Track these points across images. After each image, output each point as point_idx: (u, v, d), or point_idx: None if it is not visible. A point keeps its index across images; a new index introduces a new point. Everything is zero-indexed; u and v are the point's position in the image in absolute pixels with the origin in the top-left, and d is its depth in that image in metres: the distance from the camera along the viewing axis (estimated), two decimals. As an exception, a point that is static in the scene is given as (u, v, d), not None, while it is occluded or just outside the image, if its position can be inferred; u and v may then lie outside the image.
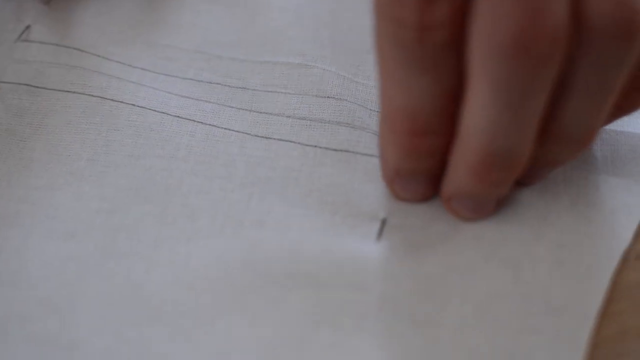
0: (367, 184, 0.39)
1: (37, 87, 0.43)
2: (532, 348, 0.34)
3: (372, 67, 0.43)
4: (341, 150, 0.40)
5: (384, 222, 0.38)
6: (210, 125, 0.41)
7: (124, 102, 0.42)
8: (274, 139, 0.41)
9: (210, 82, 0.43)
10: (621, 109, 0.37)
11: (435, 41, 0.32)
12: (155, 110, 0.42)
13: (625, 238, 0.37)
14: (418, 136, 0.35)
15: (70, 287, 0.36)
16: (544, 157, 0.36)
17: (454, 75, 0.33)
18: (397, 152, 0.36)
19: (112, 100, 0.42)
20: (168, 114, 0.42)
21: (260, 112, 0.42)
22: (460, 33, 0.32)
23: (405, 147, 0.36)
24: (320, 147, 0.40)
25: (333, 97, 0.42)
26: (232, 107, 0.42)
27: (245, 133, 0.41)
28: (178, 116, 0.42)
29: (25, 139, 0.41)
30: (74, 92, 0.43)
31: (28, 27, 0.45)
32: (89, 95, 0.43)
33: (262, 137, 0.41)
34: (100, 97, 0.43)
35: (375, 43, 0.34)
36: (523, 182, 0.38)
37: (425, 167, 0.37)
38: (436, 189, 0.38)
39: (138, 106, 0.42)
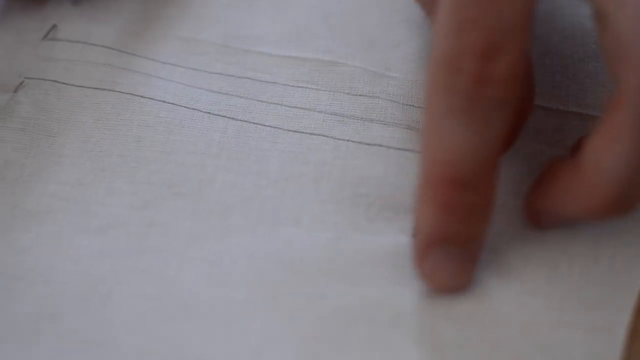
0: (402, 177, 0.39)
1: (65, 83, 0.43)
2: (568, 342, 0.34)
3: (401, 61, 0.43)
4: (374, 145, 0.40)
5: None
6: (241, 120, 0.41)
7: (154, 99, 0.42)
8: (306, 133, 0.41)
9: (240, 77, 0.43)
10: None
11: (491, 95, 0.32)
12: (185, 107, 0.42)
13: None
14: (457, 190, 0.34)
15: (103, 283, 0.36)
16: None
17: (501, 130, 0.33)
18: (433, 210, 0.34)
19: (142, 97, 0.42)
20: (199, 110, 0.42)
21: (291, 107, 0.42)
22: (516, 90, 0.32)
23: (443, 203, 0.34)
24: (353, 142, 0.40)
25: (365, 95, 0.42)
26: (263, 101, 0.42)
27: (278, 128, 0.41)
28: (209, 112, 0.42)
29: (55, 134, 0.41)
30: (104, 89, 0.43)
31: (54, 26, 0.45)
32: (119, 92, 0.43)
33: (295, 131, 0.41)
34: (130, 93, 0.42)
35: (427, 90, 0.34)
36: None
37: (461, 232, 0.35)
38: (469, 276, 0.36)
39: (168, 102, 0.42)
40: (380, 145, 0.40)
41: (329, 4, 0.46)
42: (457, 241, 0.35)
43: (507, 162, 0.39)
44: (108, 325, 0.35)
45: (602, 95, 0.41)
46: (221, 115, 0.41)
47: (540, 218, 0.37)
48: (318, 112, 0.41)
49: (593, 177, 0.33)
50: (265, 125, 0.41)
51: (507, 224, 0.37)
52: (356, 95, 0.42)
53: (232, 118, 0.41)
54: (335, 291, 0.35)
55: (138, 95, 0.42)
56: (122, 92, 0.42)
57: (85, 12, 0.46)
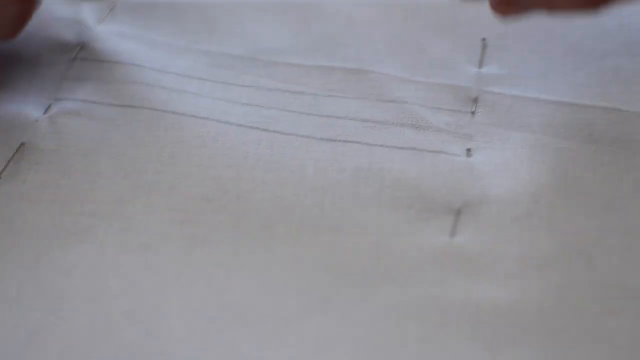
0: (437, 177, 0.40)
1: (95, 102, 0.44)
2: (613, 330, 0.35)
3: (427, 66, 0.44)
4: (408, 148, 0.41)
5: (458, 213, 0.38)
6: (274, 131, 0.42)
7: (185, 115, 0.43)
8: (340, 141, 0.41)
9: (270, 89, 0.44)
10: None
11: None
12: (218, 121, 0.42)
13: None
14: None
15: (151, 297, 0.37)
16: None
17: None
18: None
19: (173, 113, 0.43)
20: (231, 123, 0.42)
21: (322, 116, 0.42)
22: None
23: None
24: (387, 146, 0.41)
25: (394, 101, 0.42)
26: (294, 111, 0.43)
27: (311, 137, 0.42)
28: (241, 125, 0.42)
29: (88, 153, 0.42)
30: (134, 107, 0.43)
31: (82, 46, 0.46)
32: (150, 109, 0.43)
33: (328, 140, 0.41)
34: (162, 110, 0.43)
35: None
36: None
37: None
38: None
39: (200, 117, 0.43)
40: (413, 148, 0.41)
41: (353, 13, 0.47)
42: None
43: (537, 158, 0.40)
44: (159, 337, 0.35)
45: (624, 89, 0.42)
46: (254, 128, 0.42)
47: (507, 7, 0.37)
48: (349, 119, 0.42)
49: None
50: (298, 135, 0.42)
51: (543, 217, 0.38)
52: (386, 101, 0.42)
53: (265, 130, 0.42)
54: (384, 292, 0.36)
55: (170, 112, 0.43)
56: (154, 109, 0.43)
57: (113, 31, 0.47)
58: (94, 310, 0.36)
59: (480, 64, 0.45)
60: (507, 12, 0.38)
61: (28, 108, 0.44)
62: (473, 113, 0.42)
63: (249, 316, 0.36)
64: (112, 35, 0.46)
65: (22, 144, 0.42)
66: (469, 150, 0.40)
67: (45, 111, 0.44)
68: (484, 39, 0.46)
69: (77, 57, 0.46)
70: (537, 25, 0.45)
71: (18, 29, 0.42)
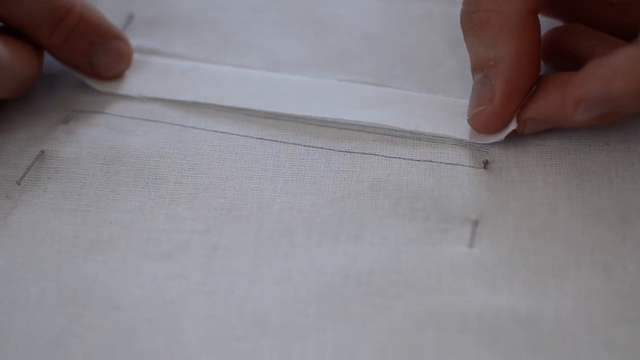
0: (454, 188, 0.40)
1: (114, 114, 0.44)
2: (630, 340, 0.35)
3: (443, 80, 0.44)
4: (425, 161, 0.41)
5: (475, 224, 0.39)
6: (293, 144, 0.43)
7: (206, 129, 0.43)
8: (358, 152, 0.42)
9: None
10: None
11: None
12: (238, 134, 0.43)
13: None
14: None
15: (173, 306, 0.37)
16: None
17: None
18: None
19: (193, 128, 0.43)
20: (250, 137, 0.43)
21: (341, 129, 0.43)
22: None
23: None
24: (405, 159, 0.41)
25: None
26: (312, 124, 0.43)
27: (329, 149, 0.42)
28: (261, 138, 0.43)
29: (108, 162, 0.42)
30: (155, 121, 0.44)
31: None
32: (170, 124, 0.44)
33: (346, 151, 0.42)
34: (182, 125, 0.44)
35: None
36: None
37: None
38: None
39: (220, 132, 0.43)
40: (431, 161, 0.41)
41: (368, 28, 0.48)
42: None
43: (553, 169, 0.40)
44: (182, 346, 0.36)
45: None
46: (273, 140, 0.43)
47: (579, 106, 0.38)
48: (367, 132, 0.43)
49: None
50: (317, 147, 0.42)
51: (560, 227, 0.39)
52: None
53: (284, 142, 0.43)
54: (403, 301, 0.37)
55: (189, 127, 0.43)
56: (174, 124, 0.44)
57: (137, 42, 0.48)
58: (115, 318, 0.37)
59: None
60: (581, 115, 0.39)
61: (48, 117, 0.44)
62: None
63: (270, 325, 0.36)
64: (135, 48, 0.47)
65: (42, 152, 0.43)
66: (485, 162, 0.41)
67: (65, 120, 0.44)
68: None
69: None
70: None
71: (24, 89, 0.44)
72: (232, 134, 0.43)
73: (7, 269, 0.38)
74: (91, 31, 0.44)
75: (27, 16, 0.42)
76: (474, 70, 0.41)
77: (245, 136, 0.43)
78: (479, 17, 0.39)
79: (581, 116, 0.38)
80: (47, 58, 0.45)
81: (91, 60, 0.45)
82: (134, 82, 0.46)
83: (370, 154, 0.42)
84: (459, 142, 0.42)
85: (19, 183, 0.41)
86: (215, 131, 0.43)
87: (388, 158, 0.42)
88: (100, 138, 0.43)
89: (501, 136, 0.41)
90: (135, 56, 0.47)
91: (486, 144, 0.41)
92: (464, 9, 0.40)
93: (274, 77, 0.46)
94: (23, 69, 0.43)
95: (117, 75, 0.45)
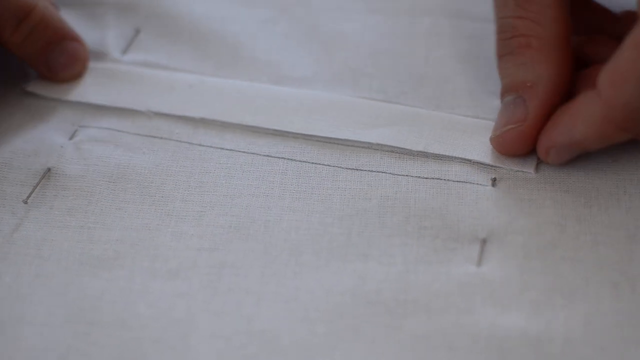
0: (462, 206, 0.40)
1: (120, 131, 0.44)
2: None
3: (452, 96, 0.44)
4: (433, 178, 0.41)
5: (484, 243, 0.39)
6: (300, 161, 0.42)
7: (212, 147, 0.43)
8: (365, 170, 0.42)
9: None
10: None
11: None
12: (244, 152, 0.43)
13: None
14: None
15: (180, 325, 0.37)
16: None
17: None
18: None
19: (200, 145, 0.43)
20: (257, 154, 0.43)
21: (348, 145, 0.43)
22: None
23: None
24: (412, 176, 0.41)
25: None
26: (320, 141, 0.43)
27: (337, 166, 0.42)
28: (268, 155, 0.43)
29: (115, 180, 0.42)
30: (161, 138, 0.44)
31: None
32: (177, 141, 0.44)
33: (354, 169, 0.42)
34: (188, 142, 0.44)
35: None
36: None
37: None
38: None
39: (226, 149, 0.43)
40: (439, 178, 0.41)
41: (376, 43, 0.48)
42: None
43: (561, 187, 0.40)
44: None
45: None
46: (280, 157, 0.43)
47: (549, 153, 0.40)
48: (374, 149, 0.42)
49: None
50: (324, 165, 0.42)
51: (568, 246, 0.39)
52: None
53: (291, 159, 0.43)
54: (412, 320, 0.36)
55: (196, 144, 0.43)
56: (180, 141, 0.44)
57: (138, 61, 0.48)
58: (123, 336, 0.37)
59: (503, 95, 0.45)
60: (551, 159, 0.41)
61: (53, 134, 0.44)
62: None
63: (279, 345, 0.36)
64: (137, 64, 0.47)
65: (48, 170, 0.43)
66: (494, 179, 0.41)
67: (71, 137, 0.44)
68: None
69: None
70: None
71: None
72: (239, 151, 0.43)
73: (13, 286, 0.38)
74: (50, 31, 0.46)
75: None
76: (507, 92, 0.41)
77: (252, 153, 0.43)
78: (518, 42, 0.41)
79: (554, 161, 0.41)
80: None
81: (47, 59, 0.46)
82: (140, 96, 0.46)
83: (378, 172, 0.42)
84: (467, 160, 0.42)
85: (25, 202, 0.41)
86: (222, 148, 0.43)
87: (396, 175, 0.41)
88: (107, 155, 0.43)
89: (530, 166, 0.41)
90: (142, 70, 0.46)
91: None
92: (500, 36, 0.41)
93: (282, 92, 0.45)
94: None
95: (72, 77, 0.47)
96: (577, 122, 0.39)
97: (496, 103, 0.43)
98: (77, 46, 0.47)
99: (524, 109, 0.40)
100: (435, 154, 0.42)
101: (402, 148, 0.42)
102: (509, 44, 0.41)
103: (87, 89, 0.46)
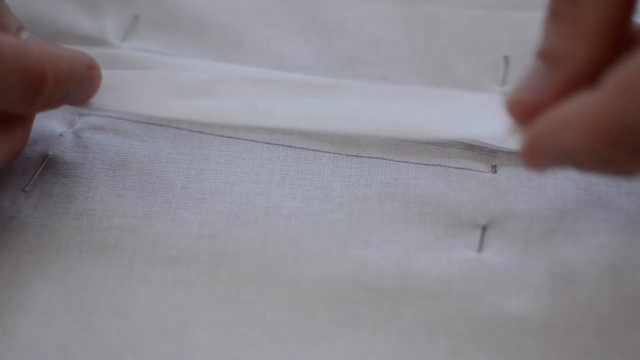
0: (462, 193, 0.40)
1: (119, 118, 0.44)
2: None
3: (452, 84, 0.44)
4: (433, 165, 0.41)
5: (484, 229, 0.39)
6: (300, 148, 0.42)
7: (212, 134, 0.43)
8: (366, 157, 0.42)
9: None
10: None
11: None
12: (244, 139, 0.43)
13: None
14: None
15: (181, 312, 0.37)
16: None
17: None
18: None
19: (200, 132, 0.43)
20: (257, 141, 0.43)
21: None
22: None
23: None
24: (412, 163, 0.41)
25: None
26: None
27: (337, 153, 0.42)
28: (267, 142, 0.43)
29: (114, 167, 0.42)
30: (161, 125, 0.44)
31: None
32: (176, 128, 0.44)
33: (354, 156, 0.42)
34: (188, 130, 0.43)
35: None
36: None
37: None
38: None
39: (226, 137, 0.43)
40: (439, 165, 0.41)
41: (376, 32, 0.48)
42: None
43: (562, 173, 0.40)
44: (190, 353, 0.36)
45: None
46: (280, 144, 0.43)
47: (535, 159, 0.35)
48: (375, 136, 0.42)
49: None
50: (324, 152, 0.42)
51: (569, 232, 0.38)
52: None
53: (291, 146, 0.42)
54: (413, 307, 0.36)
55: (196, 131, 0.43)
56: (180, 128, 0.43)
57: (137, 48, 0.47)
58: (123, 324, 0.37)
59: (503, 82, 0.45)
60: (534, 164, 0.35)
61: (53, 122, 0.44)
62: None
63: (279, 331, 0.36)
64: (136, 52, 0.47)
65: (48, 157, 0.42)
66: (494, 166, 0.41)
67: (70, 125, 0.44)
68: (506, 57, 0.46)
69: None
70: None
71: (12, 161, 0.41)
72: (239, 138, 0.43)
73: (12, 274, 0.38)
74: (66, 83, 0.39)
75: (3, 101, 0.38)
76: (541, 56, 0.36)
77: (252, 140, 0.43)
78: (570, 11, 0.34)
79: (536, 168, 0.35)
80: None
81: (67, 102, 0.41)
82: (139, 99, 0.45)
83: (378, 158, 0.42)
84: (467, 146, 0.42)
85: (25, 190, 0.41)
86: (222, 136, 0.43)
87: (396, 162, 0.41)
88: (106, 143, 0.43)
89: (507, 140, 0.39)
90: (142, 54, 0.46)
91: (495, 148, 0.41)
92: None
93: (282, 77, 0.45)
94: (11, 147, 0.40)
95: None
96: (568, 126, 0.33)
97: (496, 90, 0.43)
98: (91, 74, 0.41)
99: (550, 82, 0.35)
100: (436, 142, 0.42)
101: (403, 139, 0.42)
102: (562, 9, 0.35)
103: None
